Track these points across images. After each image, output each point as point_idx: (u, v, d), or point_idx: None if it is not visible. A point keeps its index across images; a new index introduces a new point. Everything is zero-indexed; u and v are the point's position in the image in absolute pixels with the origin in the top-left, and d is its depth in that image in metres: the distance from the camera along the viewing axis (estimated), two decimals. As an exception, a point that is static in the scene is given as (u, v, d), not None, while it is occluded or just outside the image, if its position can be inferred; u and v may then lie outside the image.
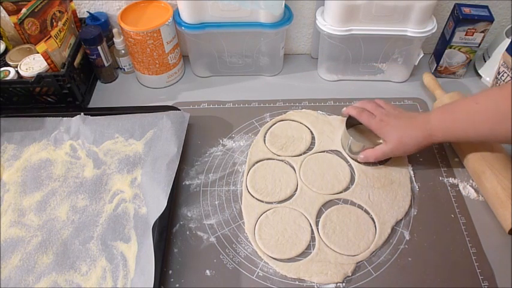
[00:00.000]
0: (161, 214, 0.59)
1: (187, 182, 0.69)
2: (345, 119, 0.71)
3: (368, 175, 0.69)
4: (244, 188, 0.68)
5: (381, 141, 0.68)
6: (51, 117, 0.75)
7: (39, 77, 0.73)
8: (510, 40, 0.79)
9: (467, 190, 0.67)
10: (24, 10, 0.74)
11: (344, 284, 0.57)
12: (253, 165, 0.71)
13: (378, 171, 0.69)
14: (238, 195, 0.67)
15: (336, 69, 0.85)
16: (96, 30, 0.79)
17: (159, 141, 0.69)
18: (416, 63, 0.83)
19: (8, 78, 0.75)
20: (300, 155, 0.72)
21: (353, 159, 0.71)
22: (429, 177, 0.69)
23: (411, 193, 0.67)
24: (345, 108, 0.72)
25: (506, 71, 0.72)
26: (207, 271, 0.59)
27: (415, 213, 0.65)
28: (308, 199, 0.66)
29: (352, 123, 0.72)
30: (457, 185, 0.68)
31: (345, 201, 0.66)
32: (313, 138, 0.75)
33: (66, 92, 0.77)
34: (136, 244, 0.60)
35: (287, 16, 0.78)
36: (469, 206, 0.66)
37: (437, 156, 0.72)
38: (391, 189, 0.67)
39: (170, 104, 0.79)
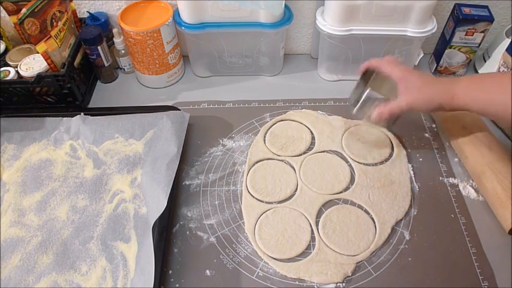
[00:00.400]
0: (161, 214, 0.59)
1: (187, 182, 0.69)
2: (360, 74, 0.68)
3: (368, 175, 0.69)
4: (244, 188, 0.68)
5: None
6: (51, 117, 0.75)
7: (39, 77, 0.73)
8: (510, 40, 0.79)
9: (467, 190, 0.67)
10: (24, 10, 0.74)
11: (344, 284, 0.57)
12: (253, 165, 0.71)
13: (378, 171, 0.69)
14: (238, 195, 0.67)
15: (336, 69, 0.85)
16: (96, 30, 0.79)
17: (159, 141, 0.69)
18: (416, 63, 0.83)
19: (8, 78, 0.75)
20: (300, 155, 0.72)
21: (361, 119, 0.68)
22: (429, 177, 0.69)
23: (411, 193, 0.67)
24: (363, 65, 0.69)
25: (506, 71, 0.72)
26: (207, 271, 0.59)
27: (415, 213, 0.65)
28: (308, 199, 0.66)
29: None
30: (457, 185, 0.68)
31: (345, 201, 0.66)
32: (313, 138, 0.75)
33: (66, 92, 0.77)
34: (136, 244, 0.60)
35: (287, 16, 0.78)
36: (469, 206, 0.66)
37: (437, 156, 0.72)
38: (391, 190, 0.67)
39: (170, 104, 0.79)
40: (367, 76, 0.68)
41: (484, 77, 0.62)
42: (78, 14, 0.85)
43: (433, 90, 0.61)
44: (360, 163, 0.71)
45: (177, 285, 0.57)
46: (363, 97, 0.67)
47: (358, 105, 0.68)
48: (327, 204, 0.66)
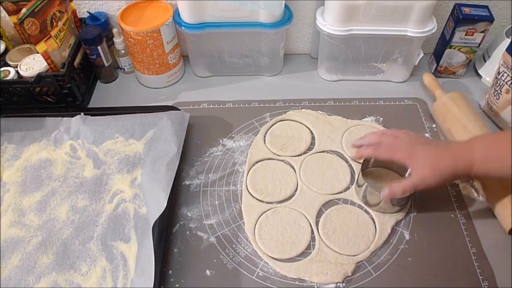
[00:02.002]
0: (161, 214, 0.58)
1: (187, 182, 0.69)
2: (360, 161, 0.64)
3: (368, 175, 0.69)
4: (244, 188, 0.68)
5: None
6: (51, 117, 0.75)
7: (39, 77, 0.73)
8: (510, 40, 0.79)
9: (467, 190, 0.67)
10: (24, 10, 0.74)
11: (344, 284, 0.57)
12: (253, 165, 0.71)
13: (378, 172, 0.69)
14: (238, 195, 0.67)
15: (336, 69, 0.85)
16: (96, 30, 0.79)
17: (159, 141, 0.69)
18: (416, 63, 0.83)
19: (8, 78, 0.75)
20: (300, 155, 0.72)
21: (371, 208, 0.64)
22: (429, 177, 0.69)
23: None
24: (354, 152, 0.65)
25: (506, 71, 0.72)
26: (207, 271, 0.59)
27: (415, 213, 0.65)
28: (308, 199, 0.66)
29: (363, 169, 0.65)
30: (457, 185, 0.68)
31: (345, 201, 0.66)
32: (313, 138, 0.75)
33: (66, 92, 0.77)
34: (136, 244, 0.60)
35: (287, 16, 0.78)
36: (469, 206, 0.66)
37: (437, 156, 0.72)
38: None
39: (170, 104, 0.79)
40: (366, 162, 0.65)
41: (498, 139, 0.57)
42: (78, 14, 0.85)
43: (447, 163, 0.56)
44: (360, 163, 0.71)
45: (177, 285, 0.57)
46: (365, 192, 0.64)
47: (362, 200, 0.66)
48: (327, 204, 0.66)
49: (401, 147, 0.59)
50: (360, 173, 0.64)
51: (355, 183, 0.68)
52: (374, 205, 0.64)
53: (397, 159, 0.59)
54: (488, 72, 0.85)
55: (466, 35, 0.79)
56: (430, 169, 0.57)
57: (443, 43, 0.83)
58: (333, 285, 0.57)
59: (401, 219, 0.64)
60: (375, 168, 0.69)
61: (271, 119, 0.78)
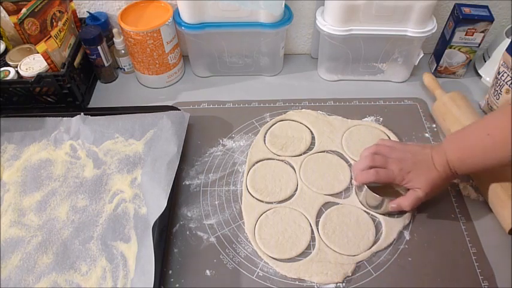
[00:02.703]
0: (161, 214, 0.58)
1: (187, 182, 0.69)
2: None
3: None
4: (244, 188, 0.68)
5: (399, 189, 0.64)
6: (51, 117, 0.75)
7: (39, 77, 0.73)
8: (510, 40, 0.79)
9: (467, 190, 0.67)
10: (24, 10, 0.74)
11: (344, 284, 0.57)
12: (253, 165, 0.71)
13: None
14: (238, 195, 0.67)
15: (336, 69, 0.85)
16: (96, 30, 0.79)
17: (159, 141, 0.69)
18: (416, 63, 0.83)
19: (8, 78, 0.75)
20: (300, 155, 0.72)
21: (378, 213, 0.65)
22: (429, 177, 0.69)
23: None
24: (354, 180, 0.66)
25: (506, 71, 0.72)
26: (207, 271, 0.59)
27: (415, 213, 0.65)
28: (308, 199, 0.66)
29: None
30: (457, 185, 0.68)
31: (345, 201, 0.66)
32: (313, 138, 0.75)
33: (66, 92, 0.77)
34: (136, 244, 0.59)
35: (287, 16, 0.78)
36: (469, 206, 0.66)
37: (437, 156, 0.72)
38: (393, 191, 0.66)
39: (170, 104, 0.79)
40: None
41: (464, 141, 0.60)
42: (78, 14, 0.85)
43: (438, 177, 0.60)
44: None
45: (177, 285, 0.57)
46: (365, 197, 0.65)
47: (366, 206, 0.66)
48: (327, 204, 0.66)
49: (396, 171, 0.60)
50: (366, 189, 0.63)
51: (354, 187, 0.68)
52: (375, 208, 0.64)
53: (397, 183, 0.61)
54: (488, 72, 0.85)
55: (466, 35, 0.79)
56: (430, 187, 0.60)
57: (443, 43, 0.83)
58: (333, 285, 0.57)
59: (408, 223, 0.63)
60: None
61: (271, 119, 0.78)
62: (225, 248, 0.61)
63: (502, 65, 0.73)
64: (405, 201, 0.61)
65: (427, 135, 0.76)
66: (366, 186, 0.62)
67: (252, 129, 0.77)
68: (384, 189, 0.63)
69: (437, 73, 0.87)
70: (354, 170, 0.66)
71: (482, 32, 0.78)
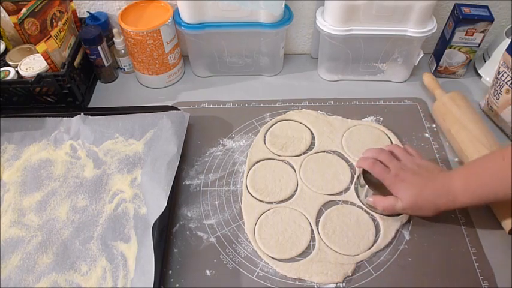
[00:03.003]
0: (161, 214, 0.58)
1: (187, 182, 0.69)
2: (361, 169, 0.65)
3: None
4: (244, 188, 0.68)
5: None
6: (51, 117, 0.75)
7: (39, 77, 0.73)
8: (510, 40, 0.79)
9: (467, 190, 0.67)
10: (24, 10, 0.74)
11: (344, 284, 0.57)
12: (253, 165, 0.71)
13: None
14: (238, 195, 0.67)
15: (336, 69, 0.85)
16: (96, 30, 0.79)
17: (159, 141, 0.69)
18: (416, 63, 0.83)
19: (8, 78, 0.75)
20: (300, 155, 0.72)
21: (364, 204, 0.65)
22: (429, 177, 0.69)
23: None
24: (358, 160, 0.66)
25: (506, 71, 0.72)
26: (207, 271, 0.59)
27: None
28: (308, 199, 0.66)
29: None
30: (457, 185, 0.68)
31: (345, 201, 0.66)
32: (313, 138, 0.75)
33: (66, 92, 0.77)
34: (136, 244, 0.59)
35: (287, 16, 0.78)
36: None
37: (437, 156, 0.72)
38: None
39: (170, 104, 0.79)
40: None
41: (477, 167, 0.58)
42: (78, 14, 0.85)
43: (428, 198, 0.58)
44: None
45: (177, 285, 0.57)
46: (357, 185, 0.66)
47: (360, 195, 0.66)
48: (327, 204, 0.66)
49: (391, 173, 0.60)
50: (361, 174, 0.64)
51: (354, 183, 0.68)
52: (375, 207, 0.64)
53: (385, 184, 0.61)
54: (488, 72, 0.85)
55: (466, 35, 0.79)
56: (412, 203, 0.58)
57: (443, 43, 0.83)
58: (333, 285, 0.57)
59: (406, 222, 0.63)
60: None
61: (271, 119, 0.78)
62: (225, 248, 0.61)
63: (502, 65, 0.73)
64: (381, 201, 0.61)
65: (427, 135, 0.76)
66: (366, 185, 0.62)
67: (252, 129, 0.77)
68: (385, 190, 0.62)
69: (437, 73, 0.87)
70: (361, 156, 0.66)
71: (482, 32, 0.78)
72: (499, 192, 0.54)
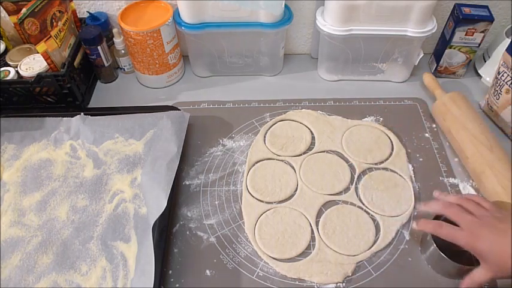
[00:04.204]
0: (161, 214, 0.58)
1: (187, 182, 0.69)
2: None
3: (372, 177, 0.69)
4: (244, 188, 0.68)
5: None
6: (51, 117, 0.75)
7: (39, 77, 0.73)
8: (510, 40, 0.79)
9: (467, 190, 0.67)
10: (24, 10, 0.74)
11: (344, 284, 0.57)
12: (253, 165, 0.71)
13: (378, 172, 0.69)
14: (238, 195, 0.67)
15: (336, 69, 0.85)
16: (96, 30, 0.79)
17: (159, 141, 0.69)
18: (416, 63, 0.83)
19: (8, 78, 0.75)
20: (300, 155, 0.72)
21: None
22: (429, 177, 0.69)
23: (414, 197, 0.66)
24: (423, 206, 0.56)
25: (506, 71, 0.72)
26: (207, 271, 0.59)
27: (415, 213, 0.65)
28: (308, 199, 0.66)
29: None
30: (457, 185, 0.68)
31: (345, 201, 0.66)
32: (313, 138, 0.75)
33: (66, 92, 0.77)
34: (137, 244, 0.59)
35: (287, 16, 0.78)
36: (469, 206, 0.65)
37: (437, 156, 0.72)
38: (395, 192, 0.66)
39: (170, 104, 0.79)
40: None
41: None
42: (78, 14, 0.85)
43: None
44: (360, 163, 0.71)
45: (177, 285, 0.57)
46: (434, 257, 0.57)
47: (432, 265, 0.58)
48: (327, 204, 0.66)
49: (484, 239, 0.49)
50: (430, 234, 0.56)
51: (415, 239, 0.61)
52: (447, 274, 0.57)
53: (478, 252, 0.50)
54: (488, 72, 0.85)
55: (466, 35, 0.79)
56: (499, 271, 0.49)
57: (443, 43, 0.83)
58: (333, 285, 0.57)
59: (406, 222, 0.63)
60: None
61: (271, 119, 0.78)
62: (225, 248, 0.61)
63: (502, 65, 0.73)
64: (473, 278, 0.50)
65: (427, 135, 0.76)
66: (434, 245, 0.55)
67: (252, 129, 0.77)
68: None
69: (437, 73, 0.87)
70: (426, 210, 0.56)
71: (482, 32, 0.78)
72: None
